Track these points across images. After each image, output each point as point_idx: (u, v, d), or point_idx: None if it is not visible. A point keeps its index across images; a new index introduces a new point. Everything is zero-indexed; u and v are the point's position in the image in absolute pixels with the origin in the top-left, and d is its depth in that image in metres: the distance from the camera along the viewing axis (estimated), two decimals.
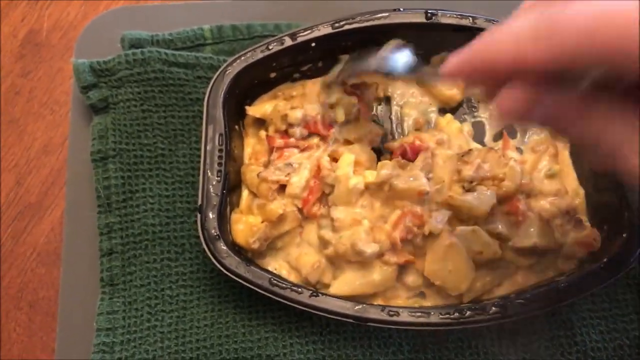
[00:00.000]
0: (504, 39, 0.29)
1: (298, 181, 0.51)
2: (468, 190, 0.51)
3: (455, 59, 0.32)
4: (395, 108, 0.58)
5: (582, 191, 0.54)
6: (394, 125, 0.57)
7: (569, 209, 0.51)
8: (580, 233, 0.50)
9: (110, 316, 0.51)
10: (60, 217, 0.57)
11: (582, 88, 0.30)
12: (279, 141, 0.53)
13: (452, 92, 0.57)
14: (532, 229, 0.50)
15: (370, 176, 0.51)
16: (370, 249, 0.48)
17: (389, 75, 0.50)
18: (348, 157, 0.52)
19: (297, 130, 0.53)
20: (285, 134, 0.53)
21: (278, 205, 0.50)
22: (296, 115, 0.53)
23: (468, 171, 0.51)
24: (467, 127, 0.56)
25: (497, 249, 0.50)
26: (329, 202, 0.52)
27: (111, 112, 0.56)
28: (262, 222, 0.50)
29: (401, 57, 0.49)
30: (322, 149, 0.53)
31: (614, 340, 0.51)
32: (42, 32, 0.63)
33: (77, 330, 0.52)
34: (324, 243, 0.50)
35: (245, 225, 0.50)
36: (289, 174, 0.51)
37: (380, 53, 0.50)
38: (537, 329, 0.51)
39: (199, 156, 0.55)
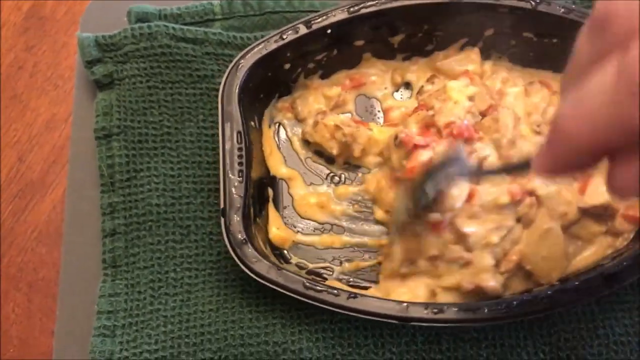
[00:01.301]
0: (590, 113, 0.25)
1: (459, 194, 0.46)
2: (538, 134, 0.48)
3: (544, 156, 0.29)
4: None
5: None
6: None
7: None
8: (627, 202, 0.48)
9: (112, 299, 0.49)
10: (62, 196, 0.55)
11: None
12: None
13: None
14: (600, 188, 0.47)
15: None
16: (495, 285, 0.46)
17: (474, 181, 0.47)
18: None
19: None
20: None
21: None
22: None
23: (536, 115, 0.49)
24: None
25: (577, 209, 0.47)
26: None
27: (116, 88, 0.54)
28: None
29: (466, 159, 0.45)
30: None
31: (638, 334, 0.48)
32: (47, 6, 0.61)
33: (77, 313, 0.50)
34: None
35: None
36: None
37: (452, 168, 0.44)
38: (557, 321, 0.49)
39: (207, 135, 0.53)
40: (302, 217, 0.53)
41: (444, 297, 0.46)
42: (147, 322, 0.48)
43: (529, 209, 0.47)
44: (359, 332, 0.48)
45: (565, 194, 0.47)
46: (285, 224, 0.53)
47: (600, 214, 0.48)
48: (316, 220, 0.53)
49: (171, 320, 0.48)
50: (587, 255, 0.49)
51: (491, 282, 0.46)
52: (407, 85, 0.56)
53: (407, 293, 0.47)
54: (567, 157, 0.27)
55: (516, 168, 0.44)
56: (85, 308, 0.50)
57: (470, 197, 0.46)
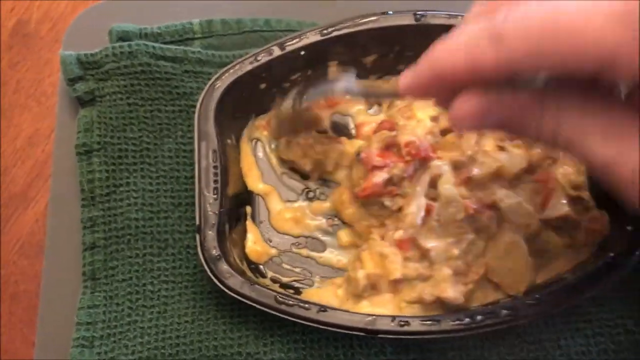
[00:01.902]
0: (456, 49, 0.30)
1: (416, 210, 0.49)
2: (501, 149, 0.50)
3: (410, 76, 0.33)
4: None
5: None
6: None
7: (579, 185, 0.51)
8: (589, 214, 0.50)
9: (91, 310, 0.51)
10: (45, 210, 0.56)
11: (533, 87, 0.30)
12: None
13: None
14: (563, 200, 0.49)
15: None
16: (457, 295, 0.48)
17: (345, 98, 0.50)
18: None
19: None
20: None
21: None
22: None
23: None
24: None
25: (538, 221, 0.49)
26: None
27: (97, 105, 0.55)
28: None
29: (352, 80, 0.48)
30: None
31: (598, 345, 0.50)
32: (31, 23, 0.62)
33: (57, 324, 0.52)
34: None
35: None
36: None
37: (331, 80, 0.50)
38: (521, 332, 0.50)
39: (185, 151, 0.55)
40: (278, 232, 0.55)
41: (408, 311, 0.48)
42: (125, 334, 0.50)
43: (490, 222, 0.48)
44: (329, 343, 0.49)
45: (526, 206, 0.49)
46: (262, 238, 0.54)
47: (561, 226, 0.50)
48: (291, 234, 0.55)
49: (148, 332, 0.50)
50: (554, 268, 0.51)
51: (450, 292, 0.47)
52: (380, 103, 0.58)
53: (374, 311, 0.48)
54: (428, 80, 0.32)
55: (386, 93, 0.51)
56: (65, 319, 0.51)
57: (427, 212, 0.48)
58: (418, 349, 0.50)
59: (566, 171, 0.52)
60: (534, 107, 0.30)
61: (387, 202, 0.50)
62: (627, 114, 0.30)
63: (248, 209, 0.54)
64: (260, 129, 0.57)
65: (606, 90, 0.30)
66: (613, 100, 0.30)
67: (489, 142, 0.51)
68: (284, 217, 0.55)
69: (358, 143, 0.55)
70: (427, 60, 0.32)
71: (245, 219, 0.54)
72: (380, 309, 0.48)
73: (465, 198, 0.49)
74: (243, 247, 0.53)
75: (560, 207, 0.50)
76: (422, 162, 0.49)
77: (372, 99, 0.55)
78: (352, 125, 0.57)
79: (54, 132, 0.57)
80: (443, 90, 0.32)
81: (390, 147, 0.50)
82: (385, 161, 0.49)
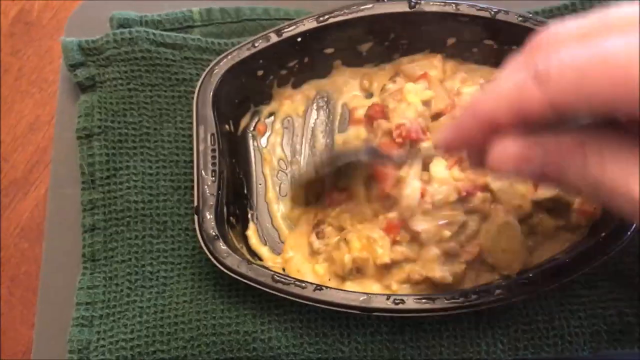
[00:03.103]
0: (500, 94, 0.30)
1: (412, 191, 0.49)
2: None
3: (451, 128, 0.33)
4: None
5: None
6: None
7: None
8: (580, 195, 0.50)
9: (91, 291, 0.51)
10: (45, 194, 0.57)
11: (572, 130, 0.30)
12: None
13: None
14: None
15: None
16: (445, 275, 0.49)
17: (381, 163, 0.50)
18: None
19: None
20: None
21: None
22: None
23: None
24: None
25: (530, 202, 0.50)
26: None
27: (98, 91, 0.56)
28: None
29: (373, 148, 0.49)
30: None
31: (591, 327, 0.51)
32: (33, 12, 0.63)
33: (57, 305, 0.52)
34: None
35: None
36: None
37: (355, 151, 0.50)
38: (515, 313, 0.51)
39: (184, 136, 0.55)
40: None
41: (399, 290, 0.49)
42: (124, 313, 0.50)
43: (483, 204, 0.49)
44: (326, 322, 0.50)
45: (518, 187, 0.50)
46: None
47: (554, 208, 0.51)
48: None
49: (146, 311, 0.50)
50: (548, 249, 0.52)
51: (438, 272, 0.48)
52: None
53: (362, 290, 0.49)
54: (470, 129, 0.32)
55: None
56: (64, 300, 0.52)
57: (421, 195, 0.49)
58: (413, 329, 0.50)
59: None
60: (576, 151, 0.30)
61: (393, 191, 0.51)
62: None
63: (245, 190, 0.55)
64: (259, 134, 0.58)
65: (632, 127, 0.29)
66: (635, 136, 0.29)
67: None
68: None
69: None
70: (469, 109, 0.32)
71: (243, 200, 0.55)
72: (367, 290, 0.49)
73: (458, 180, 0.50)
74: (242, 228, 0.54)
75: (550, 189, 0.50)
76: (413, 144, 0.50)
77: (404, 160, 0.52)
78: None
79: (55, 118, 0.58)
80: (481, 141, 0.32)
81: (388, 134, 0.51)
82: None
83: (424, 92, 0.52)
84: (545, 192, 0.50)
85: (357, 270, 0.50)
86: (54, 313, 0.52)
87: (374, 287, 0.49)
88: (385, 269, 0.50)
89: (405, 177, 0.50)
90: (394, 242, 0.50)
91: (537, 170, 0.31)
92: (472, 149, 0.34)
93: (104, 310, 0.51)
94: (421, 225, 0.48)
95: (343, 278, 0.50)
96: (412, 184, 0.50)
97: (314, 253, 0.52)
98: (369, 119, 0.53)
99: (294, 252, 0.53)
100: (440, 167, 0.50)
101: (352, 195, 0.52)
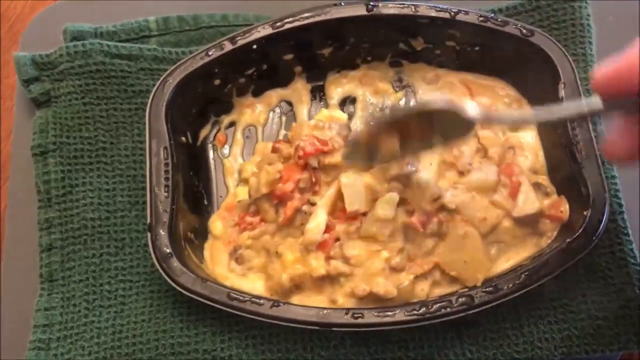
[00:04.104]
0: None
1: (316, 226, 0.49)
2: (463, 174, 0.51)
3: (609, 69, 0.36)
4: None
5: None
6: None
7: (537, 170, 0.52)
8: (549, 200, 0.50)
9: (48, 312, 0.50)
10: (3, 212, 0.56)
11: None
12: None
13: None
14: (530, 195, 0.50)
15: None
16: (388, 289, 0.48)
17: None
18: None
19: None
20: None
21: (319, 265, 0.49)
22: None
23: (459, 161, 0.51)
24: None
25: (499, 212, 0.49)
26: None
27: (53, 106, 0.55)
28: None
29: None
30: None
31: (562, 331, 0.50)
32: None
33: (17, 328, 0.51)
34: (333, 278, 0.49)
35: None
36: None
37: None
38: (483, 321, 0.50)
39: (142, 149, 0.54)
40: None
41: (345, 304, 0.48)
42: (81, 335, 0.49)
43: (439, 227, 0.48)
44: (288, 337, 0.49)
45: (480, 200, 0.48)
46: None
47: (529, 221, 0.50)
48: None
49: (104, 332, 0.49)
50: (514, 256, 0.51)
51: (382, 287, 0.47)
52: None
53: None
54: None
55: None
56: (24, 322, 0.51)
57: (327, 230, 0.49)
58: (378, 341, 0.49)
59: (525, 157, 0.52)
60: None
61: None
62: None
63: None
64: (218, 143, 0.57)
65: None
66: None
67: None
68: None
69: None
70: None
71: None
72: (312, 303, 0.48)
73: (411, 211, 0.49)
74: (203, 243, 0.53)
75: (531, 203, 0.49)
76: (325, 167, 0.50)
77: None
78: None
79: (12, 135, 0.56)
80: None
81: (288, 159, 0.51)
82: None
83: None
84: (526, 209, 0.49)
85: (296, 287, 0.49)
86: (13, 335, 0.51)
87: (318, 299, 0.49)
88: (323, 282, 0.49)
89: (312, 208, 0.50)
90: (328, 257, 0.49)
91: None
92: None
93: (61, 332, 0.50)
94: (353, 251, 0.48)
95: (280, 295, 0.49)
96: (317, 217, 0.49)
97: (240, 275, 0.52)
98: (274, 150, 0.53)
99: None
100: (386, 205, 0.49)
101: (265, 219, 0.51)
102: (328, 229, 0.49)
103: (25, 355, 0.49)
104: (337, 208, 0.49)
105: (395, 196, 0.48)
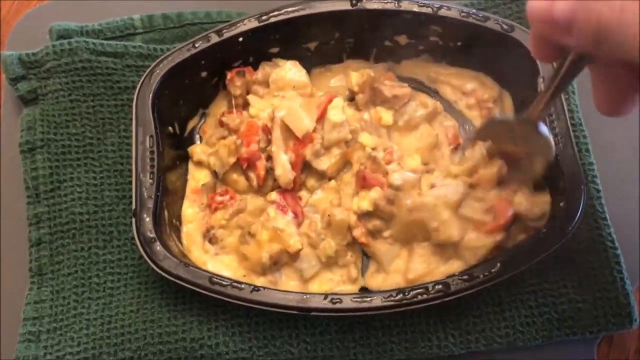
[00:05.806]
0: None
1: (283, 168, 0.52)
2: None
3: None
4: None
5: None
6: None
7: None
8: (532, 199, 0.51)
9: (38, 305, 0.51)
10: None
11: None
12: None
13: None
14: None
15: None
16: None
17: None
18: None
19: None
20: None
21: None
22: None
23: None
24: None
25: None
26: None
27: (40, 104, 0.56)
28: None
29: None
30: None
31: (542, 315, 0.51)
32: None
33: (7, 321, 0.52)
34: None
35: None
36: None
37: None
38: (466, 306, 0.51)
39: (128, 144, 0.55)
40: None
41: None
42: (71, 326, 0.50)
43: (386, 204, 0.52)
44: (274, 324, 0.50)
45: (440, 211, 0.51)
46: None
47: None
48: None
49: (93, 323, 0.50)
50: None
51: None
52: None
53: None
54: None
55: None
56: (15, 316, 0.51)
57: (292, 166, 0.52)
58: (363, 327, 0.50)
59: None
60: None
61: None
62: None
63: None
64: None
65: None
66: None
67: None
68: None
69: None
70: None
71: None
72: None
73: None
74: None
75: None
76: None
77: None
78: None
79: (0, 132, 0.57)
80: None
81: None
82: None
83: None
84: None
85: (274, 264, 0.50)
86: (4, 329, 0.52)
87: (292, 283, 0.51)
88: (296, 256, 0.51)
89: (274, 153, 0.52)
90: (299, 226, 0.52)
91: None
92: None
93: (51, 324, 0.50)
94: (324, 164, 0.53)
95: (259, 274, 0.51)
96: (280, 160, 0.52)
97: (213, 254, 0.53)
98: (221, 124, 0.56)
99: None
100: (336, 110, 0.53)
101: (236, 192, 0.54)
102: (294, 165, 0.52)
103: (15, 348, 0.50)
104: (292, 141, 0.52)
105: (339, 99, 0.53)
